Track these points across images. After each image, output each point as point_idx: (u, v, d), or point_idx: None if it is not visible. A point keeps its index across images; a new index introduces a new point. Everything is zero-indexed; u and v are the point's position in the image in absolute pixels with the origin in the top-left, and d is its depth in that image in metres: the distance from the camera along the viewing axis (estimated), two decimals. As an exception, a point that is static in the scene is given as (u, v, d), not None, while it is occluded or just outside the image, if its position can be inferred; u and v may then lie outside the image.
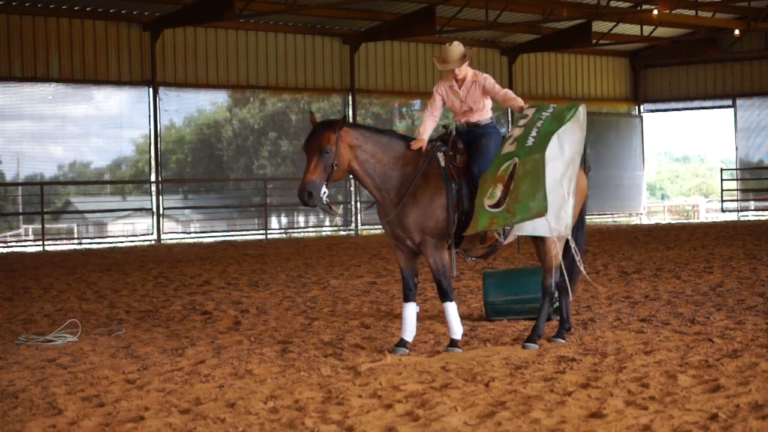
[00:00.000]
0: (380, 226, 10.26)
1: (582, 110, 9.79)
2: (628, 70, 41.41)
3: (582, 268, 10.16)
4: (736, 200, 39.50)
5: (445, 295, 9.96)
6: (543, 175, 9.50)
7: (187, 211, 31.61)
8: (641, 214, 41.07)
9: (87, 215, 29.78)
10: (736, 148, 39.99)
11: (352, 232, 32.83)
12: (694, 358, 9.06)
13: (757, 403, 7.31)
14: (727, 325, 10.86)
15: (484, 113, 10.28)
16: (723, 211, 40.08)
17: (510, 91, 10.23)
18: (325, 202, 9.65)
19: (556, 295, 10.59)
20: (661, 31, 37.56)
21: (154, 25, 29.32)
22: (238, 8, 27.72)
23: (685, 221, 39.18)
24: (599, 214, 38.69)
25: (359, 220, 33.19)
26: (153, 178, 29.98)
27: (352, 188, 33.05)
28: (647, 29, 36.66)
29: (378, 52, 34.46)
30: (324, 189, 9.62)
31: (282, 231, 32.43)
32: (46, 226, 27.98)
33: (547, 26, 35.55)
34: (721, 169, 41.85)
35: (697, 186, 62.79)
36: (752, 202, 40.03)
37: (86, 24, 28.43)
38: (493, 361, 9.22)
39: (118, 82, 29.15)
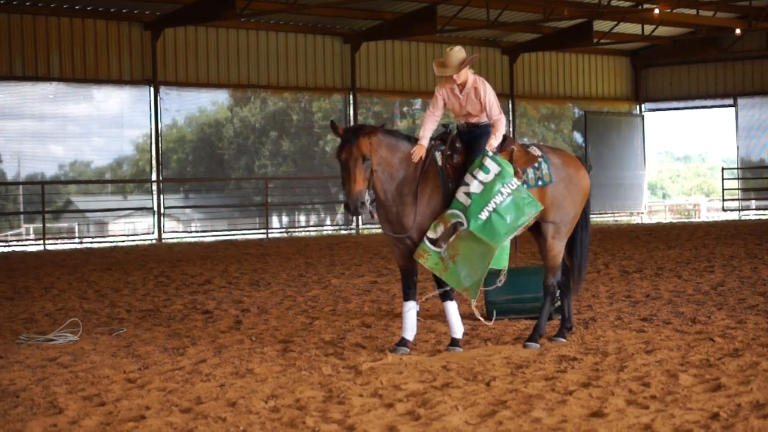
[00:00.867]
0: (381, 225, 10.25)
1: (536, 212, 9.88)
2: (629, 69, 41.39)
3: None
4: (738, 199, 39.48)
5: (445, 295, 9.97)
6: (487, 266, 9.74)
7: (188, 210, 31.60)
8: (642, 213, 41.05)
9: (88, 214, 29.77)
10: (738, 148, 39.96)
11: (353, 232, 32.82)
12: (695, 357, 9.06)
13: (758, 402, 7.31)
14: (728, 325, 10.86)
15: (484, 116, 10.26)
16: (724, 210, 40.06)
17: (501, 121, 10.10)
18: (369, 209, 9.77)
19: (558, 294, 10.60)
20: (662, 31, 37.53)
21: (155, 24, 29.32)
22: (239, 7, 27.71)
23: (686, 220, 39.17)
24: (600, 214, 38.68)
25: (360, 220, 33.17)
26: (154, 177, 29.97)
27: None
28: (648, 28, 36.63)
29: (379, 51, 34.44)
30: (367, 196, 9.70)
31: (283, 230, 32.42)
32: (47, 225, 27.98)
33: (548, 25, 35.52)
34: (723, 169, 41.82)
35: (698, 185, 62.76)
36: (753, 202, 40.00)
37: (87, 23, 28.43)
38: (494, 361, 9.22)
39: (119, 81, 29.15)
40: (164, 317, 12.86)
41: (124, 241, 29.04)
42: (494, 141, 10.00)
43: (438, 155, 10.02)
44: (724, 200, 40.10)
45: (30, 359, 9.97)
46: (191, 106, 31.24)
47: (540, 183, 10.16)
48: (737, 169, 40.00)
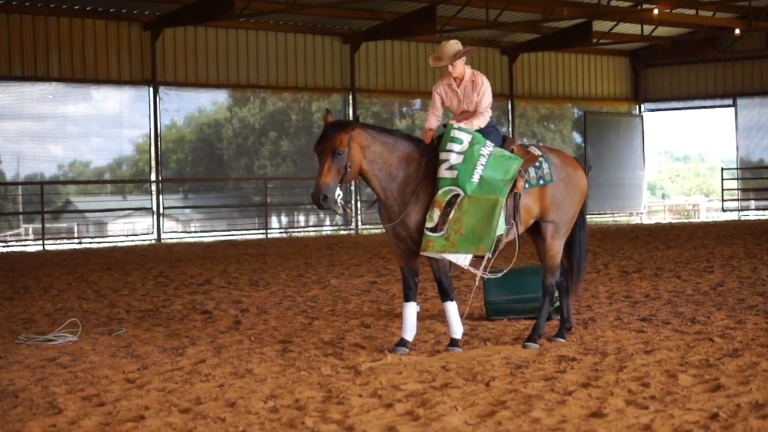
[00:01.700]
0: (380, 226, 10.24)
1: (519, 164, 9.93)
2: (629, 69, 41.39)
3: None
4: (737, 200, 39.48)
5: (445, 295, 9.96)
6: (497, 219, 9.73)
7: (187, 210, 31.60)
8: (642, 213, 41.05)
9: (87, 215, 29.76)
10: (737, 148, 39.96)
11: (353, 232, 32.82)
12: (694, 357, 9.06)
13: (757, 403, 7.31)
14: (727, 325, 10.85)
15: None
16: (724, 210, 40.07)
17: (484, 115, 10.08)
18: (339, 204, 9.68)
19: (557, 294, 10.60)
20: (662, 31, 37.53)
21: (155, 24, 29.31)
22: (238, 8, 27.71)
23: (685, 221, 39.17)
24: (600, 214, 38.69)
25: (359, 220, 33.17)
26: (153, 177, 29.97)
27: (352, 187, 33.03)
28: (648, 29, 36.63)
29: (378, 51, 34.45)
30: (338, 191, 9.63)
31: (282, 230, 32.42)
32: (47, 225, 27.97)
33: (548, 26, 35.52)
34: (722, 169, 41.83)
35: (697, 185, 62.76)
36: (753, 202, 40.00)
37: (86, 23, 28.42)
38: (493, 361, 9.21)
39: (119, 81, 29.14)
40: (163, 317, 12.86)
41: (123, 242, 29.03)
42: (464, 122, 9.97)
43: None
44: (723, 200, 40.10)
45: (29, 359, 9.96)
46: (190, 106, 31.24)
47: (541, 182, 10.16)
48: (737, 169, 40.00)
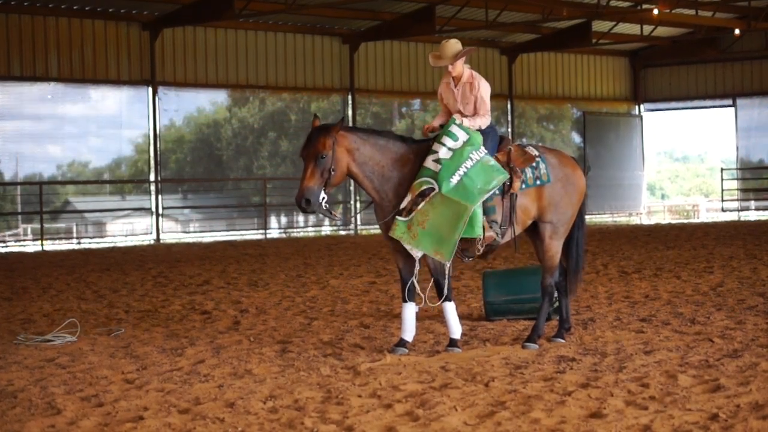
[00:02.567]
0: (379, 227, 10.21)
1: (504, 178, 9.88)
2: (628, 69, 41.39)
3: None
4: (737, 200, 39.48)
5: (444, 295, 9.94)
6: (461, 228, 9.69)
7: (186, 210, 31.59)
8: (641, 213, 41.05)
9: (86, 215, 29.75)
10: (737, 148, 39.96)
11: (352, 232, 32.81)
12: (694, 358, 9.05)
13: (757, 403, 7.30)
14: (727, 325, 10.85)
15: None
16: (723, 210, 40.07)
17: (484, 117, 10.04)
18: (324, 208, 9.67)
19: (556, 294, 10.58)
20: (661, 31, 37.53)
21: (154, 24, 29.31)
22: (237, 8, 27.70)
23: (685, 221, 39.17)
24: (599, 214, 38.68)
25: (358, 220, 33.15)
26: (152, 177, 29.96)
27: (351, 188, 33.02)
28: (647, 29, 36.63)
29: (377, 51, 34.44)
30: (323, 194, 9.63)
31: (281, 231, 32.41)
32: (45, 225, 27.96)
33: (547, 26, 35.52)
34: (722, 169, 41.84)
35: (697, 186, 62.77)
36: (753, 202, 40.00)
37: (85, 23, 28.41)
38: (492, 361, 9.21)
39: (118, 81, 29.13)
40: (162, 318, 12.85)
41: (122, 242, 29.03)
42: (467, 120, 9.95)
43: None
44: (723, 201, 40.10)
45: (28, 360, 9.95)
46: (190, 106, 31.23)
47: (538, 182, 10.14)
48: (736, 169, 40.00)
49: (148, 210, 29.95)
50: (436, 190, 9.64)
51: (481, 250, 9.99)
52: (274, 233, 31.85)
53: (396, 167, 9.90)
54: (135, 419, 7.40)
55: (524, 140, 36.44)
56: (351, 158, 9.78)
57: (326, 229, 33.40)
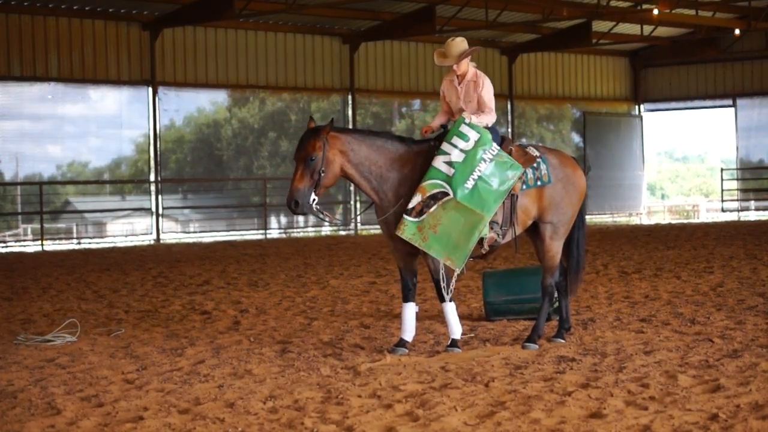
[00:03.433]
0: (379, 227, 10.22)
1: (519, 173, 9.88)
2: (628, 69, 41.38)
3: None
4: (737, 200, 39.48)
5: (443, 296, 9.94)
6: (476, 238, 9.70)
7: (186, 210, 31.59)
8: (641, 214, 41.05)
9: (86, 215, 29.75)
10: (737, 148, 39.96)
11: (352, 232, 32.81)
12: (694, 358, 9.05)
13: (757, 403, 7.30)
14: (727, 325, 10.85)
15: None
16: (723, 211, 40.07)
17: (490, 114, 10.03)
18: (315, 209, 9.70)
19: (556, 294, 10.58)
20: (661, 31, 37.53)
21: (154, 24, 29.30)
22: (237, 8, 27.69)
23: (685, 221, 39.17)
24: (599, 214, 38.68)
25: (359, 220, 33.14)
26: (152, 177, 29.96)
27: (351, 188, 33.01)
28: (647, 29, 36.63)
29: (378, 51, 34.44)
30: (313, 196, 9.65)
31: (281, 231, 32.41)
32: (45, 225, 27.96)
33: (547, 26, 35.52)
34: (722, 169, 41.83)
35: (697, 186, 62.76)
36: (753, 202, 40.00)
37: (85, 23, 28.41)
38: (492, 361, 9.21)
39: (118, 81, 29.13)
40: (162, 318, 12.85)
41: (122, 242, 29.03)
42: (474, 117, 9.94)
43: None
44: (723, 201, 40.10)
45: (28, 360, 9.95)
46: (190, 106, 31.23)
47: (539, 183, 10.13)
48: (736, 169, 40.00)
49: (148, 210, 29.95)
50: (450, 195, 9.64)
51: (486, 249, 10.00)
52: (274, 233, 31.85)
53: (395, 167, 9.89)
54: (135, 419, 7.40)
55: (524, 140, 36.45)
56: (345, 159, 9.78)
57: (326, 230, 33.40)
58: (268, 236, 31.01)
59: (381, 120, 34.97)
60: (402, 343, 9.89)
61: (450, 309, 9.92)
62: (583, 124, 39.78)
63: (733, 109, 39.99)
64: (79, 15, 28.16)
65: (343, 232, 32.91)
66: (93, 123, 29.40)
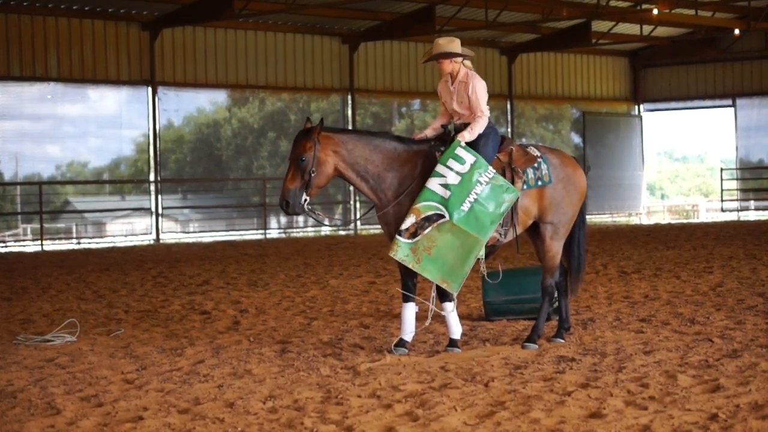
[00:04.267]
0: (380, 226, 10.21)
1: (515, 197, 9.88)
2: (628, 69, 41.39)
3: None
4: (736, 200, 39.49)
5: (443, 295, 9.94)
6: (472, 262, 9.70)
7: (186, 210, 31.59)
8: (641, 213, 41.06)
9: (86, 215, 29.75)
10: (736, 148, 39.97)
11: (352, 232, 32.81)
12: (693, 358, 9.05)
13: (757, 403, 7.30)
14: (726, 325, 10.84)
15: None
16: (723, 211, 40.07)
17: (482, 119, 9.96)
18: (307, 209, 9.71)
19: (556, 294, 10.58)
20: (661, 31, 37.54)
21: (153, 24, 29.30)
22: (237, 8, 27.69)
23: (684, 221, 39.17)
24: (599, 214, 38.68)
25: (358, 221, 33.14)
26: (152, 177, 29.96)
27: (351, 188, 32.99)
28: (647, 29, 36.63)
29: (377, 51, 34.44)
30: (304, 196, 9.66)
31: (281, 231, 32.41)
32: (45, 225, 27.96)
33: (547, 26, 35.52)
34: (721, 169, 41.84)
35: (697, 186, 62.79)
36: (752, 202, 40.01)
37: (85, 23, 28.41)
38: (492, 361, 9.20)
39: (117, 81, 29.13)
40: (162, 318, 12.84)
41: (122, 242, 29.03)
42: (467, 134, 9.90)
43: (438, 156, 9.93)
44: (722, 201, 40.10)
45: (28, 360, 9.95)
46: (189, 106, 31.23)
47: (540, 183, 10.12)
48: (736, 169, 40.01)
49: (147, 210, 29.95)
50: (446, 218, 9.63)
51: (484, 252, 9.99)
52: (273, 233, 31.85)
53: (393, 166, 9.88)
54: (135, 419, 7.40)
55: (524, 140, 36.45)
56: (339, 159, 9.78)
57: (326, 230, 33.40)
58: (268, 236, 31.01)
59: (381, 120, 34.97)
60: (402, 343, 9.89)
61: (449, 309, 9.92)
62: (582, 124, 39.79)
63: (732, 109, 40.00)
64: (78, 15, 28.16)
65: (342, 232, 32.91)
66: (93, 123, 29.40)
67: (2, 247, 27.12)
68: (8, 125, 27.94)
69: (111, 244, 28.24)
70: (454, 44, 10.01)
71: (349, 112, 33.86)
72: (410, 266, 9.65)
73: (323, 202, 33.13)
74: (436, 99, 30.36)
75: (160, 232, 29.75)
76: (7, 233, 28.43)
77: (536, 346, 9.89)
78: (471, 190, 9.68)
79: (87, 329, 11.86)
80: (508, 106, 37.83)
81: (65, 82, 28.32)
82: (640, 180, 41.59)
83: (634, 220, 39.85)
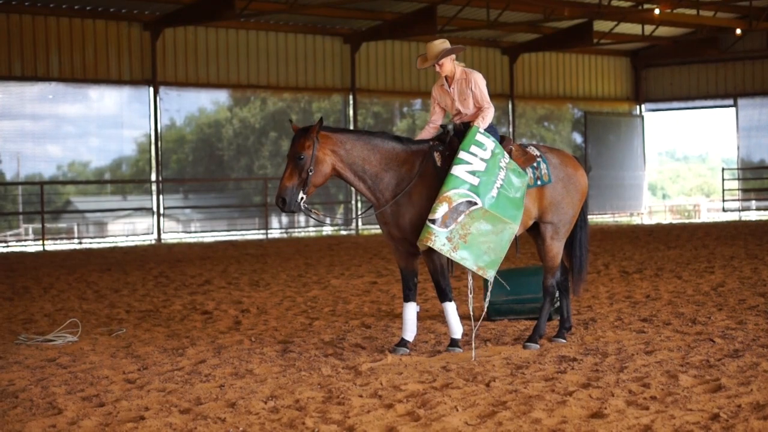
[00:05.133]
0: (379, 227, 10.20)
1: (527, 181, 9.92)
2: (629, 69, 41.38)
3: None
4: (738, 200, 39.48)
5: (443, 295, 9.93)
6: (507, 245, 9.70)
7: (187, 210, 31.60)
8: (642, 213, 41.05)
9: (87, 215, 29.76)
10: (738, 148, 39.97)
11: (353, 232, 32.81)
12: (695, 358, 9.04)
13: (758, 403, 7.30)
14: (728, 325, 10.84)
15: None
16: (724, 210, 40.07)
17: (490, 110, 9.98)
18: (303, 208, 9.70)
19: (557, 294, 10.58)
20: (663, 31, 37.53)
21: (155, 24, 29.31)
22: (238, 7, 27.71)
23: (686, 221, 39.16)
24: (600, 214, 38.68)
25: (359, 220, 33.14)
26: (153, 177, 29.97)
27: (352, 188, 32.97)
28: (648, 29, 36.63)
29: (379, 51, 34.44)
30: (301, 195, 9.66)
31: (282, 230, 32.42)
32: (47, 225, 27.97)
33: (548, 26, 35.52)
34: (723, 169, 41.83)
35: (698, 186, 62.77)
36: (754, 202, 40.00)
37: (86, 23, 28.42)
38: (494, 361, 9.20)
39: (119, 81, 29.14)
40: (163, 318, 12.85)
41: (123, 242, 29.04)
42: (481, 122, 9.92)
43: (437, 156, 9.93)
44: (724, 201, 40.09)
45: (29, 360, 9.96)
46: (191, 106, 31.24)
47: (539, 183, 10.11)
48: (737, 169, 40.00)
49: (149, 210, 29.96)
50: (479, 204, 9.62)
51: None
52: (275, 233, 31.86)
53: (391, 166, 9.86)
54: (136, 419, 7.41)
55: (524, 140, 36.44)
56: (336, 158, 9.77)
57: (327, 230, 33.41)
58: (269, 236, 31.01)
59: (382, 120, 34.97)
60: (403, 342, 9.89)
61: (450, 309, 9.91)
62: (584, 124, 39.78)
63: (734, 108, 40.00)
64: (80, 15, 28.17)
65: (344, 232, 32.91)
66: (94, 123, 29.41)
67: (4, 246, 27.13)
68: (9, 125, 27.95)
69: (112, 244, 28.25)
70: (446, 44, 9.99)
71: (351, 112, 33.86)
72: (447, 255, 9.58)
73: (325, 202, 33.16)
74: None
75: (161, 232, 29.76)
76: (9, 233, 28.45)
77: (538, 346, 9.89)
78: (497, 176, 9.69)
79: (88, 329, 11.87)
80: (510, 106, 37.81)
81: (67, 82, 28.33)
82: (642, 180, 41.59)
83: (636, 220, 39.85)
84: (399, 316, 11.76)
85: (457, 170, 9.64)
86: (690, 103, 41.49)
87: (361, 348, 10.20)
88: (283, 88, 32.56)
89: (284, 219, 33.01)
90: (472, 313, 9.94)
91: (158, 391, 8.31)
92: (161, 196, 29.99)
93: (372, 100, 34.82)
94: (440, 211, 9.54)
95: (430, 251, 9.71)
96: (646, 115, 41.96)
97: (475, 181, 9.61)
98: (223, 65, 31.08)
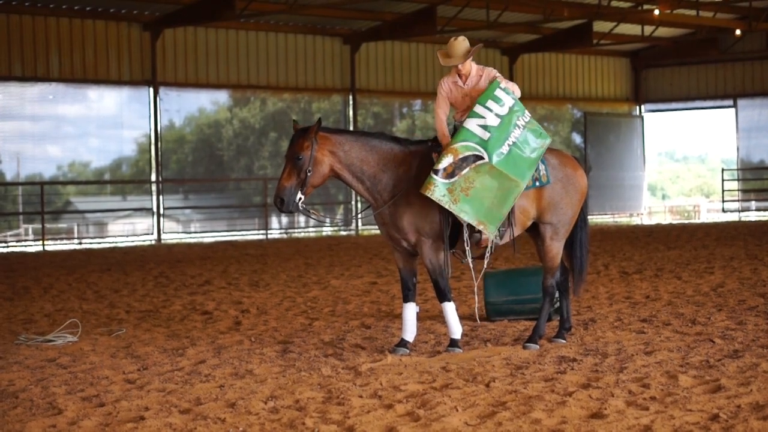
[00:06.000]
0: (378, 227, 10.19)
1: (548, 143, 9.89)
2: (629, 70, 41.39)
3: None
4: (738, 200, 39.49)
5: (443, 296, 9.92)
6: (510, 204, 9.67)
7: (187, 210, 31.61)
8: (642, 214, 41.05)
9: (87, 215, 29.77)
10: (738, 149, 39.98)
11: (353, 232, 32.82)
12: (695, 358, 9.05)
13: (758, 404, 7.30)
14: (728, 326, 10.84)
15: None
16: (724, 211, 40.07)
17: (515, 83, 10.07)
18: (301, 208, 9.70)
19: (557, 295, 10.58)
20: (662, 31, 37.54)
21: (155, 24, 29.31)
22: (238, 8, 27.72)
23: (686, 221, 39.16)
24: (600, 215, 38.68)
25: (359, 220, 33.15)
26: (153, 177, 29.97)
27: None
28: (648, 29, 36.64)
29: (379, 52, 34.44)
30: (299, 195, 9.65)
31: (282, 231, 32.42)
32: (47, 225, 27.97)
33: (548, 26, 35.53)
34: (722, 170, 41.83)
35: (698, 186, 62.77)
36: (753, 203, 40.01)
37: (86, 24, 28.42)
38: (493, 362, 9.21)
39: (119, 81, 29.14)
40: (163, 318, 12.85)
41: (123, 242, 29.04)
42: (509, 83, 9.87)
43: (435, 156, 9.90)
44: (723, 201, 40.10)
45: (29, 360, 9.96)
46: (191, 106, 31.25)
47: (537, 183, 10.08)
48: (737, 170, 40.01)
49: (149, 210, 29.96)
50: (485, 159, 9.58)
51: (490, 252, 9.96)
52: (275, 233, 31.86)
53: (389, 167, 9.85)
54: (136, 419, 7.41)
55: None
56: (335, 159, 9.76)
57: (327, 230, 33.41)
58: (269, 236, 31.01)
59: (382, 120, 34.97)
60: (403, 343, 9.89)
61: (450, 309, 9.91)
62: (583, 125, 39.79)
63: (733, 109, 40.01)
64: (79, 15, 28.17)
65: (344, 233, 32.92)
66: (94, 123, 29.42)
67: (4, 247, 27.13)
68: (9, 125, 27.95)
69: (112, 245, 28.25)
70: (467, 43, 9.99)
71: (351, 113, 33.86)
72: (446, 206, 9.52)
73: (324, 202, 33.17)
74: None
75: (161, 232, 29.76)
76: (9, 233, 28.45)
77: (537, 347, 9.89)
78: (510, 133, 9.64)
79: (88, 329, 11.87)
80: (510, 107, 37.76)
81: (66, 83, 28.34)
82: (641, 180, 41.59)
83: (636, 221, 39.85)
84: (399, 317, 11.76)
85: (469, 123, 9.63)
86: (690, 104, 41.50)
87: (360, 348, 10.21)
88: (282, 88, 32.57)
89: (284, 219, 33.01)
90: (476, 313, 9.96)
91: (158, 392, 8.32)
92: (161, 197, 30.00)
93: (372, 100, 34.82)
94: (444, 162, 9.52)
95: (429, 251, 9.71)
96: (646, 115, 41.97)
97: (485, 135, 9.58)
98: (222, 65, 31.09)
